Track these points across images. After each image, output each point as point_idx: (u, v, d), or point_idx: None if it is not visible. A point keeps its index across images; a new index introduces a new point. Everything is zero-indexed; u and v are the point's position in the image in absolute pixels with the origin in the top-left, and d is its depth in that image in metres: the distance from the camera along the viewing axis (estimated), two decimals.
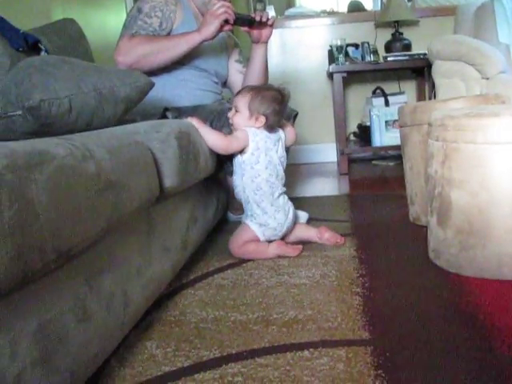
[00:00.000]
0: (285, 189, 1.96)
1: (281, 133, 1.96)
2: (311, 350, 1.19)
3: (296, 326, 1.32)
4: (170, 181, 1.40)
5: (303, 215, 2.23)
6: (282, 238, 1.96)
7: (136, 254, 1.27)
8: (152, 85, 1.63)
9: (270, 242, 1.91)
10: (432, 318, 1.31)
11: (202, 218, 1.92)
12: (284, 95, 1.91)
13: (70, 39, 2.34)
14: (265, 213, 1.88)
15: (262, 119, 1.86)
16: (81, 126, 1.45)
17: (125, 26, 2.18)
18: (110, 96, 1.48)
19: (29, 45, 2.02)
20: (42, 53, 2.11)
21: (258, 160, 1.87)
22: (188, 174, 1.52)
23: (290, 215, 1.93)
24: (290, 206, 1.95)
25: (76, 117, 1.41)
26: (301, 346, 1.21)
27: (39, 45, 2.10)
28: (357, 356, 1.15)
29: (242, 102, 1.89)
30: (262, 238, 1.89)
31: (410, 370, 1.08)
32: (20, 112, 1.37)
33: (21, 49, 1.97)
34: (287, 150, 2.03)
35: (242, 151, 1.88)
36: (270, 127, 1.90)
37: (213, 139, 1.84)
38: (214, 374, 1.12)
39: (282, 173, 1.95)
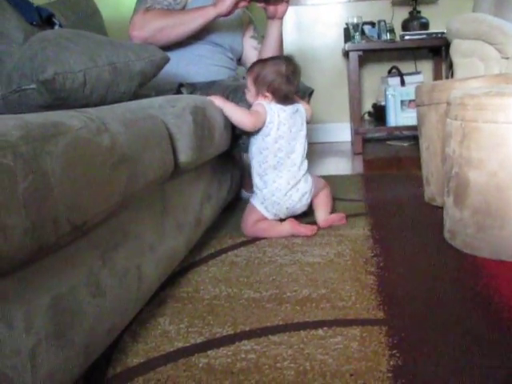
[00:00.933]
0: (301, 172, 1.91)
1: (299, 106, 1.94)
2: (325, 328, 1.19)
3: (310, 304, 1.31)
4: (184, 156, 1.38)
5: None
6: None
7: (150, 229, 1.26)
8: (167, 60, 1.61)
9: (282, 220, 1.90)
10: (447, 298, 1.29)
11: (215, 195, 1.91)
12: (290, 63, 1.88)
13: (83, 14, 2.33)
14: (265, 187, 1.88)
15: (268, 95, 1.85)
16: (95, 100, 1.44)
17: (139, 0, 2.16)
18: (125, 70, 1.47)
19: (42, 19, 2.01)
20: (56, 27, 2.10)
21: (269, 133, 1.85)
22: (203, 150, 1.51)
23: (295, 198, 1.89)
24: (298, 190, 1.90)
25: (90, 91, 1.40)
26: (314, 325, 1.21)
27: (53, 19, 2.08)
28: (371, 335, 1.14)
29: (249, 81, 1.89)
30: (268, 215, 1.89)
31: (425, 350, 1.07)
32: (34, 85, 1.36)
33: (34, 23, 1.96)
34: None
35: None
36: (284, 98, 1.88)
37: (239, 116, 1.82)
38: (227, 351, 1.12)
39: (298, 149, 1.91)
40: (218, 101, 1.80)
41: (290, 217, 1.92)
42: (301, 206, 1.93)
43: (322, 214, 1.97)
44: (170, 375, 1.05)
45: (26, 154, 0.71)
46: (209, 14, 2.06)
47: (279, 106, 1.87)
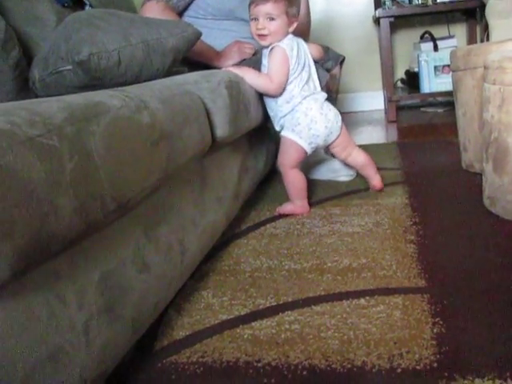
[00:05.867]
0: (318, 92, 1.87)
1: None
2: (367, 297, 1.19)
3: (351, 274, 1.32)
4: (221, 131, 1.39)
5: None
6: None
7: (191, 204, 1.28)
8: (199, 35, 1.61)
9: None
10: (489, 265, 1.28)
11: (252, 167, 1.92)
12: None
13: None
14: (294, 111, 1.81)
15: (295, 22, 1.81)
16: (130, 78, 1.45)
17: None
18: (158, 47, 1.48)
19: (73, 0, 2.02)
20: (87, 7, 2.11)
21: (291, 68, 1.80)
22: (239, 124, 1.51)
23: (330, 116, 1.85)
24: (331, 110, 1.86)
25: (125, 69, 1.41)
26: (357, 294, 1.21)
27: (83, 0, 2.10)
28: (413, 304, 1.14)
29: (279, 9, 1.75)
30: (303, 144, 1.82)
31: (467, 317, 1.07)
32: (70, 67, 1.38)
33: (66, 4, 1.97)
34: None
35: None
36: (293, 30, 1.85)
37: (262, 83, 1.78)
38: (271, 322, 1.14)
39: (313, 73, 1.88)
40: (237, 71, 1.74)
41: (328, 145, 1.91)
42: (336, 128, 1.88)
43: (374, 176, 1.98)
44: (216, 347, 1.07)
45: (70, 135, 0.73)
46: (210, 59, 2.09)
47: (294, 38, 1.84)
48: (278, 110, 1.84)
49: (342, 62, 2.31)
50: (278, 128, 1.90)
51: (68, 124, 0.74)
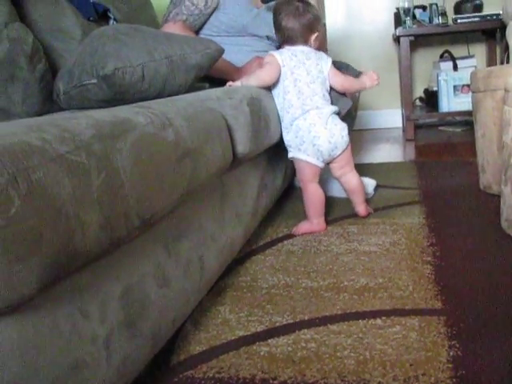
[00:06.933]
0: (327, 106, 1.87)
1: (320, 55, 1.92)
2: (383, 318, 1.20)
3: (367, 293, 1.32)
4: (242, 147, 1.40)
5: (371, 183, 2.21)
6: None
7: (210, 220, 1.29)
8: (222, 52, 1.63)
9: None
10: (507, 288, 1.28)
11: (271, 184, 1.93)
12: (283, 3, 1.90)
13: (135, 6, 2.36)
14: (299, 129, 1.82)
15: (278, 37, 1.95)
16: (153, 93, 1.47)
17: (172, 3, 2.19)
18: (182, 63, 1.50)
19: (98, 14, 2.06)
20: (111, 21, 2.14)
21: (286, 77, 1.84)
22: (259, 140, 1.53)
23: (335, 131, 1.83)
24: (336, 125, 1.85)
25: (148, 84, 1.43)
26: (373, 314, 1.22)
27: (108, 13, 2.13)
28: (430, 326, 1.14)
29: None
30: (311, 160, 1.84)
31: (485, 341, 1.06)
32: (95, 80, 1.41)
33: (91, 18, 2.00)
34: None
35: None
36: (286, 41, 1.90)
37: (258, 79, 1.81)
38: (287, 340, 1.14)
39: (319, 91, 1.86)
40: (237, 83, 1.79)
41: (333, 159, 1.88)
42: (342, 143, 1.85)
43: (359, 206, 1.95)
44: (232, 363, 1.08)
45: (98, 152, 0.74)
46: (232, 77, 2.06)
47: (290, 52, 1.87)
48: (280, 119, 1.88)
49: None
50: (285, 142, 1.90)
51: (96, 141, 0.75)
